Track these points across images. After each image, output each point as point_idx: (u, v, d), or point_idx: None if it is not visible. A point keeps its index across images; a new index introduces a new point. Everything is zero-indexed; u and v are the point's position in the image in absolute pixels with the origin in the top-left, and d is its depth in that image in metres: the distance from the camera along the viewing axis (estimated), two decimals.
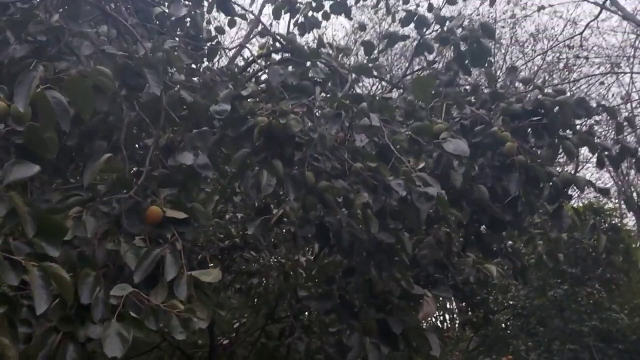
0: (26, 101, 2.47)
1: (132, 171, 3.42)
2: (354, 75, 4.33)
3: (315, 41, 5.30)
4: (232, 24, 5.41)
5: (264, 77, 4.74)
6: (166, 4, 4.86)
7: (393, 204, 3.58)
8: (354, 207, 3.56)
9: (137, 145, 4.08)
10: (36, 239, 2.38)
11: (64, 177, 3.59)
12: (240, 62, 7.07)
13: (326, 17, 5.39)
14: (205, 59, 5.20)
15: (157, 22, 4.75)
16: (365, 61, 5.38)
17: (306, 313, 6.83)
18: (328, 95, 3.87)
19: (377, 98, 4.12)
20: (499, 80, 8.04)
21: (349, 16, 5.52)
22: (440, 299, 8.57)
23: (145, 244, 2.80)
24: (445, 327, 12.98)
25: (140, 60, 3.25)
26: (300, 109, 3.40)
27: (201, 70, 4.46)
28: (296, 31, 5.22)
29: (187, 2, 4.81)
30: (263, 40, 5.30)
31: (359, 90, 5.03)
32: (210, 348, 7.13)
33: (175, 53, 3.99)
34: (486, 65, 4.82)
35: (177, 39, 4.42)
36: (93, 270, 2.58)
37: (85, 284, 2.51)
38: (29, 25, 3.26)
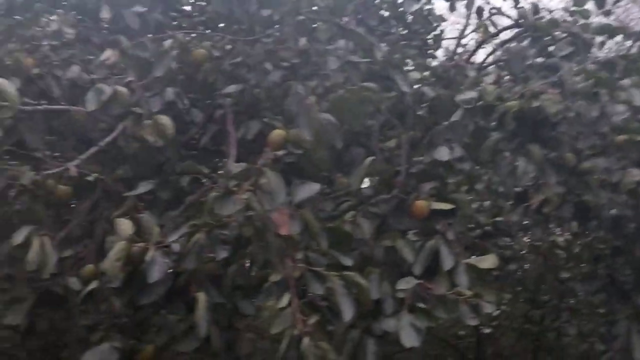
0: (310, 130, 2.73)
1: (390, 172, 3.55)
2: (598, 38, 4.05)
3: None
4: (452, 8, 5.35)
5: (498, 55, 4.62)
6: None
7: None
8: (622, 186, 3.34)
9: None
10: (330, 251, 2.62)
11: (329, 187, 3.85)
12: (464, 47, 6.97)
13: None
14: (432, 51, 5.25)
15: (380, 24, 4.93)
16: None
17: (571, 295, 6.52)
18: (575, 68, 3.67)
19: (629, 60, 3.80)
20: None
21: None
22: None
23: (419, 238, 2.91)
24: None
25: (383, 63, 3.39)
26: (553, 90, 3.27)
27: (437, 63, 4.51)
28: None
29: None
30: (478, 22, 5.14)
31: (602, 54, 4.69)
32: (477, 337, 7.11)
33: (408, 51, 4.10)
34: None
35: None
36: (376, 267, 2.74)
37: (371, 280, 2.67)
38: (281, 52, 3.58)
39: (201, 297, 2.75)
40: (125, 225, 3.03)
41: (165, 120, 3.31)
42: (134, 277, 2.88)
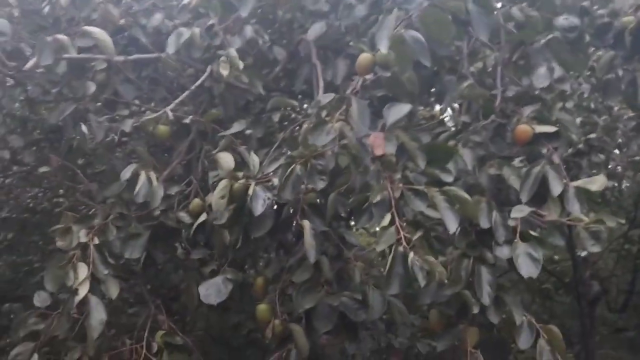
0: (387, 43, 2.62)
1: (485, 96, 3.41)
2: None
3: None
4: None
5: None
6: None
7: None
8: None
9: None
10: (429, 169, 2.56)
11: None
12: None
13: None
14: None
15: None
16: None
17: None
18: None
19: None
20: None
21: None
22: None
23: (524, 164, 2.80)
24: None
25: None
26: None
27: None
28: None
29: None
30: None
31: None
32: (573, 260, 6.97)
33: None
34: None
35: None
36: (483, 196, 2.67)
37: (480, 209, 2.61)
38: None
39: (306, 224, 2.79)
40: (227, 159, 3.10)
41: (234, 52, 3.31)
42: (241, 212, 2.95)
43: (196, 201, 3.30)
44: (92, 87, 3.47)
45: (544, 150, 2.83)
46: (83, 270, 2.87)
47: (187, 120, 3.40)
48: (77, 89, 3.47)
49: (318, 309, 2.88)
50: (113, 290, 2.98)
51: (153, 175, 3.18)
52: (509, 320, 2.55)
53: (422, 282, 2.33)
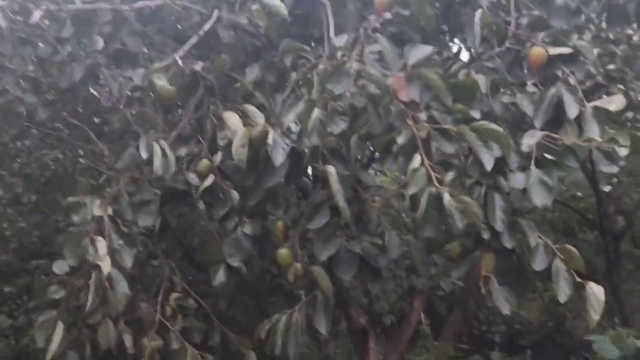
0: None
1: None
2: None
3: None
4: None
5: None
6: None
7: None
8: None
9: None
10: (457, 106, 2.52)
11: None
12: None
13: None
14: None
15: None
16: None
17: None
18: None
19: None
20: None
21: None
22: None
23: (537, 88, 2.74)
24: None
25: None
26: None
27: None
28: None
29: None
30: None
31: None
32: (597, 196, 6.91)
33: None
34: None
35: None
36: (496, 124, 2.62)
37: None
38: None
39: (331, 170, 2.75)
40: (234, 119, 3.08)
41: (277, 1, 3.24)
42: (255, 160, 2.93)
43: (204, 162, 3.27)
44: (100, 42, 3.44)
45: (560, 74, 2.76)
46: (102, 245, 2.89)
47: (197, 67, 3.34)
48: (86, 46, 3.45)
49: (339, 256, 2.88)
50: (128, 259, 3.01)
51: (166, 145, 3.15)
52: (525, 244, 2.54)
53: (459, 224, 2.32)
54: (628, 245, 8.31)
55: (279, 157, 2.80)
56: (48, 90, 4.01)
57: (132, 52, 3.64)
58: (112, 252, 2.94)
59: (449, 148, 2.43)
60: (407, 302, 5.67)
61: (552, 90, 2.66)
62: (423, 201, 2.39)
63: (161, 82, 3.24)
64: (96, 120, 4.52)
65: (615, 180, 7.21)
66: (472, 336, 8.51)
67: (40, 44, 3.65)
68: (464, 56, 4.34)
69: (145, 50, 3.72)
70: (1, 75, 3.64)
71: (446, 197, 2.33)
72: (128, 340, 3.14)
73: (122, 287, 2.96)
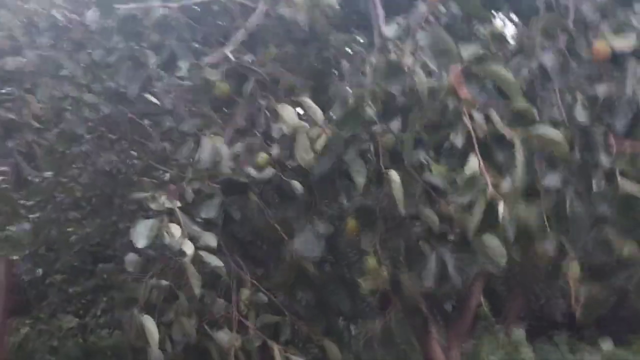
0: None
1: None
2: None
3: None
4: None
5: None
6: None
7: None
8: None
9: None
10: (519, 105, 2.42)
11: None
12: None
13: None
14: None
15: None
16: None
17: None
18: None
19: None
20: None
21: None
22: None
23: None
24: None
25: None
26: None
27: None
28: None
29: None
30: None
31: None
32: None
33: None
34: None
35: None
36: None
37: None
38: None
39: (393, 175, 2.70)
40: (288, 111, 3.07)
41: None
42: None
43: (263, 155, 3.27)
44: (152, 58, 3.49)
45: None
46: (177, 229, 2.90)
47: (248, 60, 3.35)
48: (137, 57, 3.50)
49: (427, 265, 2.84)
50: (212, 240, 3.00)
51: (218, 139, 3.20)
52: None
53: (511, 237, 2.24)
54: None
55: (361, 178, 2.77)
56: (98, 96, 4.06)
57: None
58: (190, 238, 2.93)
59: (503, 153, 2.32)
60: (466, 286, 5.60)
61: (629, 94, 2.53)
62: (476, 211, 2.25)
63: (214, 77, 3.26)
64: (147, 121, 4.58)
65: None
66: (533, 316, 8.38)
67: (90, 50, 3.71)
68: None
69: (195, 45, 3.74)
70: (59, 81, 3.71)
71: (501, 207, 2.19)
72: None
73: (197, 284, 2.93)
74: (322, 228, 3.07)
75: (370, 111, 2.67)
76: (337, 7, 3.40)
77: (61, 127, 3.97)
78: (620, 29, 2.72)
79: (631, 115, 2.54)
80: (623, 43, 2.67)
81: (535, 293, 7.93)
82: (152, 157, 4.43)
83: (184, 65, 3.33)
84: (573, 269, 2.54)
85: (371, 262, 3.00)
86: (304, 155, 2.85)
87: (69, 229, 5.85)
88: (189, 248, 2.82)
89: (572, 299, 2.54)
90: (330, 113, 3.03)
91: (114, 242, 5.55)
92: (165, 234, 2.87)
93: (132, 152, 5.15)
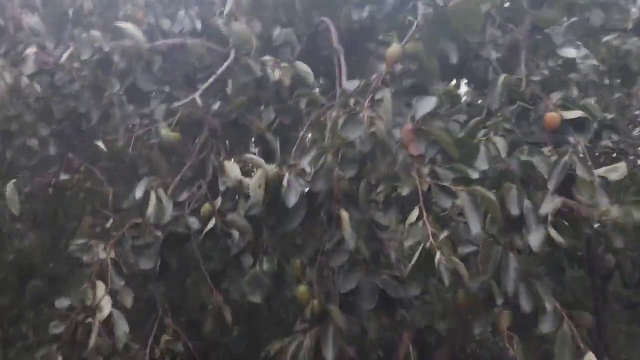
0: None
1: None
2: None
3: None
4: None
5: None
6: None
7: None
8: None
9: None
10: (457, 165, 2.63)
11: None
12: None
13: None
14: None
15: None
16: None
17: None
18: None
19: None
20: None
21: None
22: None
23: (552, 152, 2.82)
24: None
25: None
26: None
27: None
28: None
29: None
30: None
31: None
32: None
33: None
34: None
35: None
36: (513, 183, 2.70)
37: (511, 197, 2.66)
38: None
39: (344, 215, 2.83)
40: (233, 167, 3.26)
41: (304, 67, 3.52)
42: (271, 204, 3.01)
43: (206, 206, 3.35)
44: (116, 85, 3.56)
45: (570, 138, 2.87)
46: (101, 288, 3.07)
47: (215, 107, 3.43)
48: (102, 83, 3.55)
49: (360, 288, 2.96)
50: (128, 300, 3.17)
51: (162, 192, 3.29)
52: (540, 307, 2.62)
53: (446, 282, 2.41)
54: (617, 285, 8.33)
55: (292, 198, 2.89)
56: (60, 119, 4.00)
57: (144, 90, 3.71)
58: (113, 293, 3.10)
59: (447, 203, 2.53)
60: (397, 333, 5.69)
61: (565, 158, 2.74)
62: (415, 255, 2.47)
63: (164, 131, 3.41)
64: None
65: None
66: None
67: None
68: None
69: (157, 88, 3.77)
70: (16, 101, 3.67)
71: (437, 255, 2.41)
72: None
73: (123, 326, 3.07)
74: (267, 266, 3.15)
75: (331, 160, 2.84)
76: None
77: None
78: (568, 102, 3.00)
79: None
80: (571, 114, 2.93)
81: (465, 342, 8.07)
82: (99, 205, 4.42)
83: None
84: (504, 317, 2.68)
85: (302, 292, 3.07)
86: (256, 191, 2.93)
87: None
88: (106, 310, 3.01)
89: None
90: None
91: (56, 259, 5.42)
92: (87, 292, 3.06)
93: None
